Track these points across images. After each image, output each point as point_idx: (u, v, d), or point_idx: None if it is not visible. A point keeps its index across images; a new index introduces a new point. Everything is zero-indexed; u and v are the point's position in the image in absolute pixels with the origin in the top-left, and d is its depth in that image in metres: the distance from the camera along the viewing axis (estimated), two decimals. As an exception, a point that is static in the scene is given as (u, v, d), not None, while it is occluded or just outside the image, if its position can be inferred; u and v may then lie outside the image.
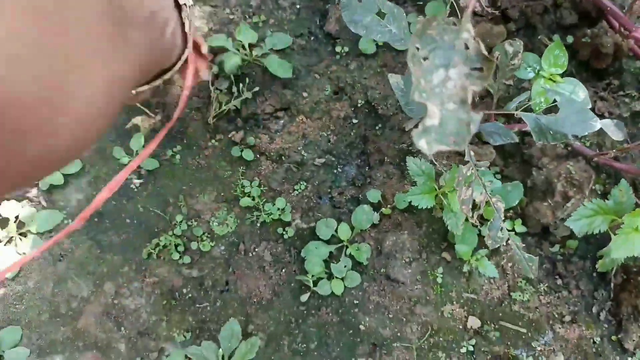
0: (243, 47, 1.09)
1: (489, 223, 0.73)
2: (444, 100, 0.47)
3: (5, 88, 0.31)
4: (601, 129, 0.77)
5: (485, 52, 0.48)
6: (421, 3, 1.13)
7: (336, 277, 0.96)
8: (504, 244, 0.74)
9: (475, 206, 0.75)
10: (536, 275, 0.77)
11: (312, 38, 1.13)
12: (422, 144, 0.44)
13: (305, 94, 1.09)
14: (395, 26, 0.78)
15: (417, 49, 0.48)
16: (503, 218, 0.71)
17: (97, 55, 0.41)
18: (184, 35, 0.69)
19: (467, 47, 0.50)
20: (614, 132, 0.81)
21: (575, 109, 0.77)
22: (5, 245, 1.00)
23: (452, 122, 0.47)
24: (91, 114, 0.39)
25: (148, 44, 0.61)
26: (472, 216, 0.73)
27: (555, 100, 0.81)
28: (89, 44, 0.40)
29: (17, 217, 1.01)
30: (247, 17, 1.15)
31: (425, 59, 0.49)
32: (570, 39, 1.03)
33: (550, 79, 0.84)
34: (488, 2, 0.92)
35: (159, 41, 0.71)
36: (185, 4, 0.73)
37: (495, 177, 0.97)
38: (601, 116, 1.00)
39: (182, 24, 0.70)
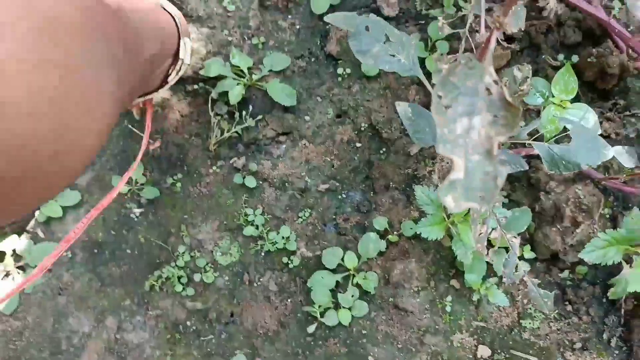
0: (241, 71, 1.07)
1: (504, 260, 0.72)
2: (468, 152, 0.46)
3: (27, 138, 0.37)
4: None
5: (510, 98, 0.47)
6: (423, 22, 1.12)
7: (343, 307, 0.94)
8: (519, 281, 0.73)
9: (488, 241, 0.73)
10: (551, 310, 0.76)
11: (312, 59, 1.11)
12: (448, 201, 0.43)
13: (307, 118, 1.07)
14: (404, 55, 0.77)
15: (440, 97, 0.47)
16: (518, 255, 0.70)
17: (101, 97, 0.45)
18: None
19: (489, 93, 0.48)
20: (627, 159, 0.80)
21: (587, 137, 0.76)
22: (2, 279, 0.97)
23: (477, 175, 0.45)
24: (95, 144, 0.46)
25: (139, 80, 0.64)
26: (487, 253, 0.72)
27: (565, 127, 0.80)
28: (95, 87, 0.44)
29: (14, 251, 0.98)
30: (246, 38, 1.13)
31: (448, 107, 0.47)
32: (575, 58, 1.02)
33: (560, 105, 0.82)
34: (503, 35, 0.90)
35: (148, 77, 0.74)
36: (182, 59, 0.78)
37: (502, 202, 0.96)
38: (607, 137, 0.99)
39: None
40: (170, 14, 0.86)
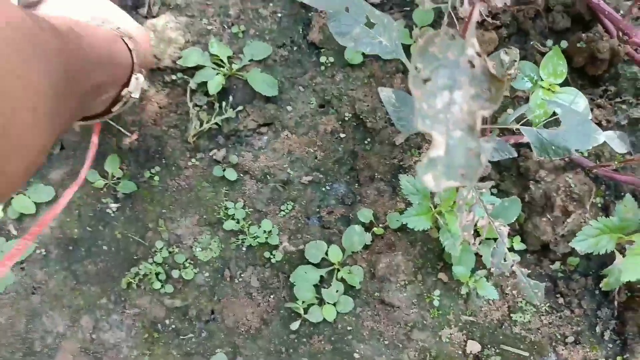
0: (221, 60, 1.03)
1: (492, 249, 0.69)
2: (449, 127, 0.42)
3: None
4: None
5: (494, 71, 0.44)
6: (408, 9, 1.08)
7: (328, 303, 0.91)
8: (509, 273, 0.69)
9: (475, 230, 0.70)
10: (542, 302, 0.73)
11: (294, 48, 1.08)
12: (427, 179, 0.39)
13: (289, 108, 1.04)
14: (386, 37, 0.74)
15: (418, 69, 0.43)
16: (508, 246, 0.67)
17: (30, 121, 0.46)
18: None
19: (472, 66, 0.45)
20: (618, 144, 0.77)
21: (578, 121, 0.73)
22: (-28, 278, 0.93)
23: (460, 152, 0.42)
24: (20, 169, 0.47)
25: (81, 103, 0.64)
26: (474, 242, 0.68)
27: (554, 112, 0.77)
28: (24, 111, 0.45)
29: (-15, 248, 0.94)
30: (226, 27, 1.09)
31: (427, 80, 0.44)
32: (564, 44, 0.99)
33: (549, 90, 0.79)
34: (488, 11, 0.87)
35: (91, 102, 0.74)
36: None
37: (491, 191, 0.93)
38: (599, 124, 0.96)
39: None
40: (128, 47, 0.84)
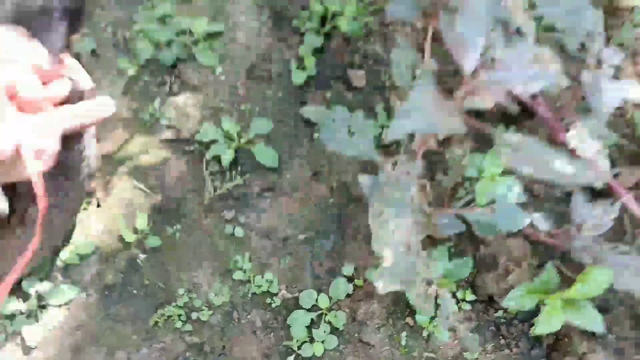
0: (231, 135, 1.26)
1: (440, 309, 0.91)
2: (395, 247, 0.64)
3: None
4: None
5: (426, 207, 0.65)
6: (387, 94, 1.31)
7: (317, 341, 1.12)
8: (452, 323, 0.91)
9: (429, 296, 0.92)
10: (476, 350, 0.94)
11: (292, 124, 1.30)
12: (379, 285, 0.61)
13: (288, 176, 1.26)
14: (364, 143, 0.96)
15: (375, 207, 0.65)
16: (459, 298, 0.89)
17: None
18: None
19: (412, 201, 0.66)
20: (543, 223, 1.00)
21: (508, 209, 0.95)
22: (27, 317, 1.14)
23: (401, 264, 0.63)
24: None
25: None
26: (427, 307, 0.91)
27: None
28: None
29: (37, 292, 1.16)
30: (235, 104, 1.32)
31: (381, 213, 0.65)
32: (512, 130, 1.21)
33: (491, 179, 1.02)
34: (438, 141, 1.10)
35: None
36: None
37: (450, 250, 1.15)
38: (537, 197, 1.19)
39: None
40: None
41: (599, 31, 0.94)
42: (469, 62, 0.66)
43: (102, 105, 0.85)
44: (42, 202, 0.61)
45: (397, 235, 0.64)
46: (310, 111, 0.99)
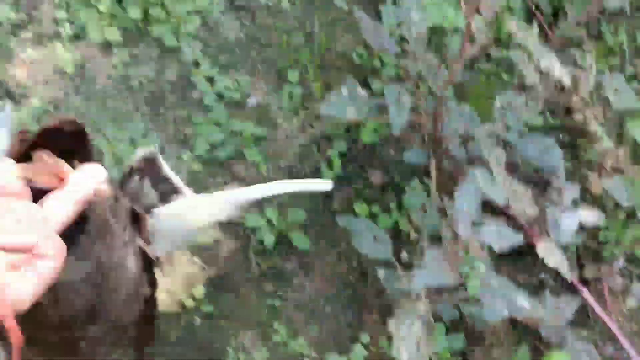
0: (273, 222, 1.56)
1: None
2: (408, 346, 0.92)
3: None
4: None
5: (433, 325, 0.95)
6: (402, 193, 1.62)
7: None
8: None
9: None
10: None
11: (322, 215, 1.61)
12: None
13: (318, 257, 1.56)
14: (384, 248, 1.26)
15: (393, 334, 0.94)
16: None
17: None
18: None
19: (421, 318, 0.96)
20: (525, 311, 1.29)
21: (493, 302, 1.25)
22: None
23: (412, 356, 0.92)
24: None
25: None
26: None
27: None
28: None
29: None
30: (275, 197, 1.62)
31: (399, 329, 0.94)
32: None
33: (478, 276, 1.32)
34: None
35: None
36: None
37: (446, 326, 1.45)
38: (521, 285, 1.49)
39: None
40: None
41: (561, 170, 1.26)
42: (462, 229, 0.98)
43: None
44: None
45: (409, 341, 0.93)
46: (343, 220, 1.30)
